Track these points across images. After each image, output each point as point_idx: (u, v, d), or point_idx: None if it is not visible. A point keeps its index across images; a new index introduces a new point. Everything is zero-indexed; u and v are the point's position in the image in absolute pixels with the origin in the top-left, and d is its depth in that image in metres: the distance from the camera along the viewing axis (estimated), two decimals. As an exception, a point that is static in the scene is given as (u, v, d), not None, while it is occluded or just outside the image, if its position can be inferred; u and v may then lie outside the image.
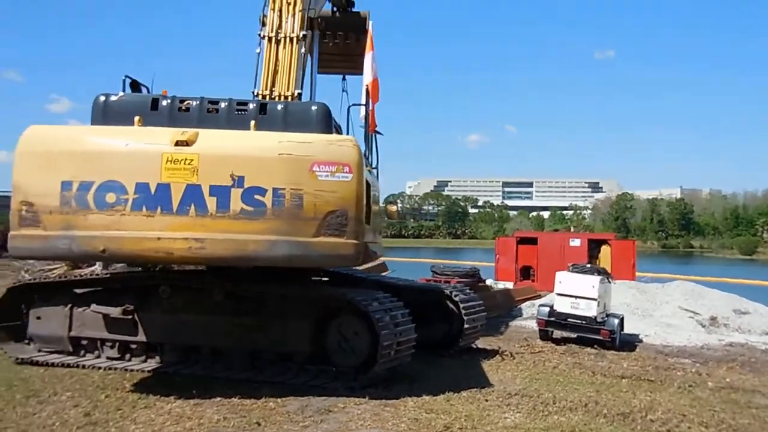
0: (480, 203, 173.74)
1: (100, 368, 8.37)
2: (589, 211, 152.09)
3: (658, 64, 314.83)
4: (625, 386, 8.54)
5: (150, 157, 6.70)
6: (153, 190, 6.63)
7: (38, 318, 8.91)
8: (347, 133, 8.18)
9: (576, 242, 23.88)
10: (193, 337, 8.37)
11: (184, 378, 7.90)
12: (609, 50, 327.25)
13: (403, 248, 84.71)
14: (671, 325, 14.14)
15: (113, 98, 7.46)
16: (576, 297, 11.71)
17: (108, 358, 8.68)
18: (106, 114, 7.34)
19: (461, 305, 9.88)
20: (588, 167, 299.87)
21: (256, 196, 6.66)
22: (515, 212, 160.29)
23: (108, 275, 9.27)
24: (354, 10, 12.92)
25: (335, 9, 12.81)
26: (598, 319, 11.53)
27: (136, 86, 7.81)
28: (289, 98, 8.71)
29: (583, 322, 11.57)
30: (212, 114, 7.41)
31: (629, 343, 12.09)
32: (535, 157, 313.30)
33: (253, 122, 7.18)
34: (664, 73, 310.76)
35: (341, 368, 7.83)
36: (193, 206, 6.62)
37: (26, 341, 9.04)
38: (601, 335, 11.42)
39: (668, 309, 15.56)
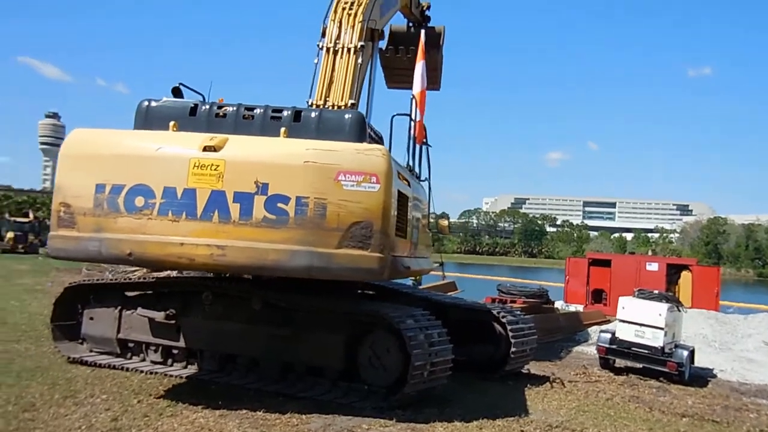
0: (558, 222, 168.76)
1: (142, 372, 8.47)
2: (677, 235, 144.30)
3: (760, 80, 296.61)
4: (684, 426, 7.75)
5: (179, 162, 6.70)
6: (179, 195, 6.59)
7: (91, 318, 9.18)
8: (389, 144, 7.89)
9: (653, 266, 22.41)
10: (231, 345, 8.32)
11: (219, 387, 7.84)
12: (705, 67, 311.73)
13: (476, 265, 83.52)
14: (752, 361, 12.93)
15: (154, 104, 7.58)
16: (641, 325, 10.89)
17: (152, 362, 8.79)
18: (147, 119, 7.46)
19: (509, 327, 9.33)
20: (677, 189, 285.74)
21: (279, 204, 6.48)
22: (596, 233, 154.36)
23: (154, 279, 9.41)
24: (430, 24, 12.71)
25: (410, 24, 12.64)
26: (665, 350, 10.67)
27: (177, 92, 7.89)
28: (342, 108, 8.56)
29: (648, 352, 10.76)
30: (248, 120, 7.36)
31: (701, 378, 11.10)
32: (618, 176, 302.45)
33: (283, 129, 7.05)
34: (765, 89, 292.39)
35: (372, 386, 7.50)
36: (216, 212, 6.53)
37: (80, 341, 9.32)
38: (668, 367, 10.56)
39: (750, 343, 14.27)
